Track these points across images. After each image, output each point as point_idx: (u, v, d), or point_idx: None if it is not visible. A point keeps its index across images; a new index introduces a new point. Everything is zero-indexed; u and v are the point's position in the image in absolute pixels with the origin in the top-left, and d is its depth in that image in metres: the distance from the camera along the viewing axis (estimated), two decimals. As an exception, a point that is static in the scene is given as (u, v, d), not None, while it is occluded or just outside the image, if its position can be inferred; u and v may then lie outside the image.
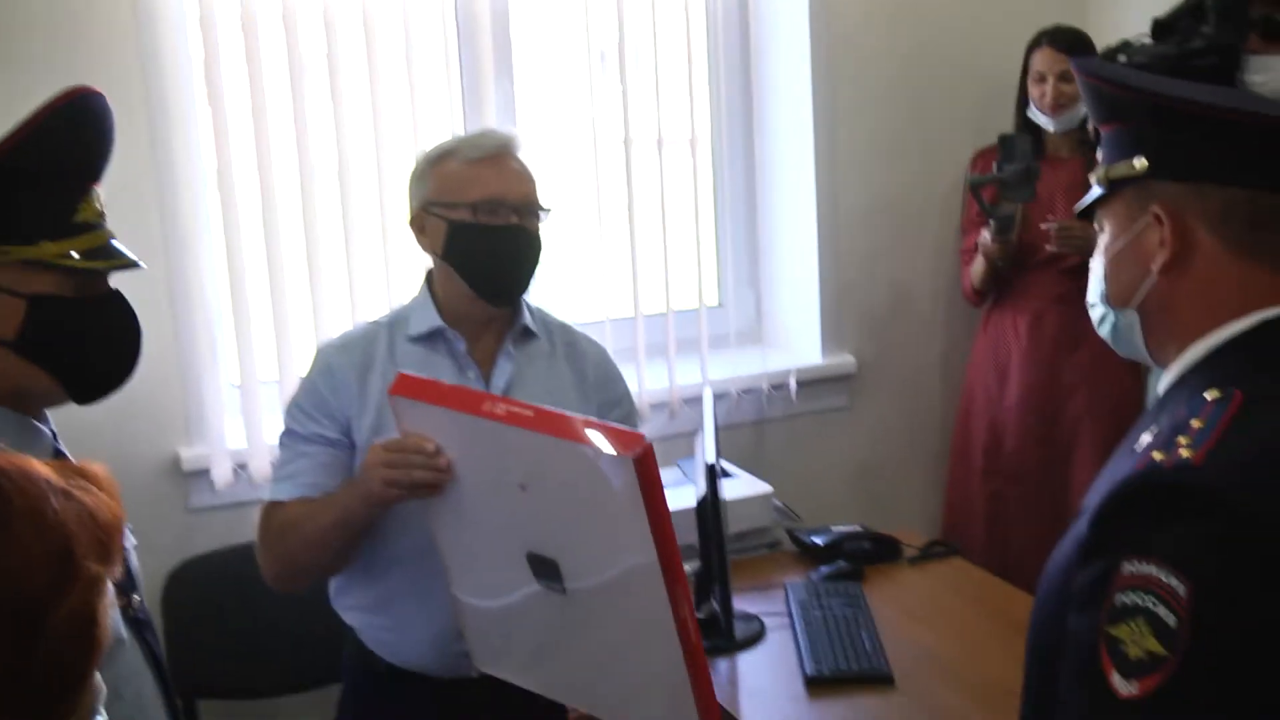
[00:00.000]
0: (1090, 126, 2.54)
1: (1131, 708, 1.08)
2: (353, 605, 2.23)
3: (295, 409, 2.17)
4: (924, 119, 3.68)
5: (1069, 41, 3.32)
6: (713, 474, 2.38)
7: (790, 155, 3.63)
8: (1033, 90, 3.39)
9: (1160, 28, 2.61)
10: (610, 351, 3.30)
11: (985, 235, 3.33)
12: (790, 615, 2.54)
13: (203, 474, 2.98)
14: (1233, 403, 1.17)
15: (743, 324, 3.73)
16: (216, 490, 2.98)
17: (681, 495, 2.90)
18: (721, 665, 2.39)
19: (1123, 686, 1.09)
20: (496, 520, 1.79)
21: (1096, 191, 1.37)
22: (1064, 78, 3.31)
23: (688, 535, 2.77)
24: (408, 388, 1.83)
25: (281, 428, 2.19)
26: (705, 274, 3.54)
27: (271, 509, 2.13)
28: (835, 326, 3.68)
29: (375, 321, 2.26)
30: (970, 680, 2.28)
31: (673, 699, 1.67)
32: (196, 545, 2.96)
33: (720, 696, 2.24)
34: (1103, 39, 3.48)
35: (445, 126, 3.18)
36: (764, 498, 2.96)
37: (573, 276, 3.44)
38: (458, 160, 2.15)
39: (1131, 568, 1.11)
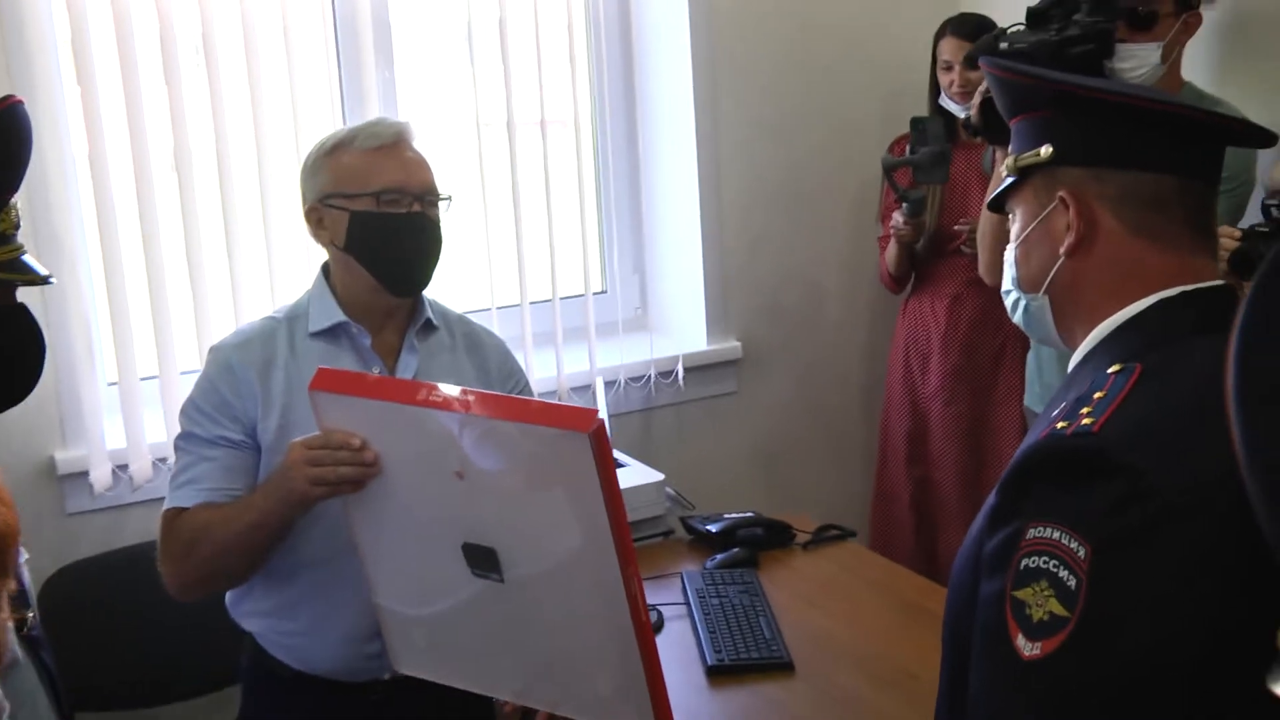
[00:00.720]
0: (971, 115, 2.58)
1: (1034, 668, 1.12)
2: (253, 611, 2.17)
3: (194, 411, 2.10)
4: (810, 105, 3.70)
5: (972, 29, 3.37)
6: (615, 467, 2.37)
7: (673, 141, 3.63)
8: (941, 78, 3.42)
9: (1035, 16, 2.67)
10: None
11: (898, 218, 3.37)
12: (688, 604, 2.54)
13: (80, 477, 2.89)
14: (1133, 375, 1.21)
15: (628, 310, 3.72)
16: (95, 494, 2.89)
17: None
18: (622, 657, 2.38)
19: (1026, 648, 1.13)
20: (428, 512, 1.77)
21: (1007, 181, 1.42)
22: (969, 64, 3.36)
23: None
24: (329, 382, 1.78)
25: (168, 427, 2.11)
26: (590, 260, 3.53)
27: (174, 516, 2.05)
28: (720, 312, 3.69)
29: (271, 317, 2.20)
30: (868, 663, 2.30)
31: (621, 680, 1.68)
32: (75, 551, 2.86)
33: (622, 689, 2.26)
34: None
35: (325, 112, 3.12)
36: (656, 486, 2.95)
37: (458, 264, 3.40)
38: (355, 150, 2.11)
39: (1035, 531, 1.15)
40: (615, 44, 3.60)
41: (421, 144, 2.17)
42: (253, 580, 2.12)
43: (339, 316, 2.14)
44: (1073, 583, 1.11)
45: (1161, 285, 1.30)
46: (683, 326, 3.71)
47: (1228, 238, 2.46)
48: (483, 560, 1.71)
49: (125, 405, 2.91)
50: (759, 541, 2.81)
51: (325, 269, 2.21)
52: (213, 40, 2.95)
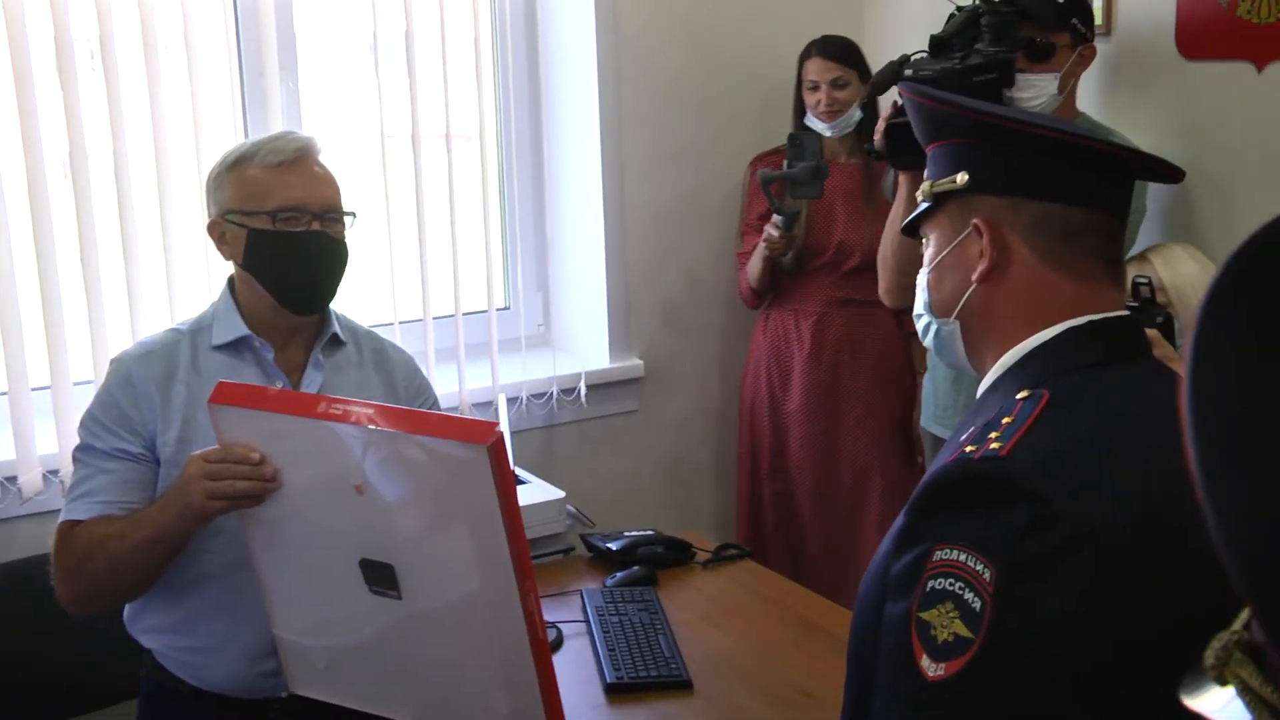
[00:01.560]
0: (876, 139, 2.62)
1: (938, 688, 1.14)
2: (151, 627, 2.14)
3: (92, 423, 2.06)
4: (711, 124, 3.73)
5: (839, 50, 3.46)
6: (514, 481, 2.37)
7: (578, 157, 3.64)
8: (808, 99, 3.49)
9: (937, 44, 2.72)
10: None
11: (771, 230, 3.40)
12: (587, 622, 2.54)
13: (-38, 489, 2.81)
14: (1040, 401, 1.24)
15: (531, 327, 3.72)
16: (-22, 507, 2.81)
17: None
18: (521, 675, 2.38)
19: (931, 669, 1.15)
20: (327, 528, 1.76)
21: (922, 206, 1.44)
22: (836, 84, 3.43)
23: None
24: (229, 395, 1.78)
25: (59, 439, 2.07)
26: (494, 275, 3.52)
27: (69, 529, 2.02)
28: (623, 330, 3.70)
29: (175, 329, 2.17)
30: (765, 681, 2.32)
31: (519, 700, 1.67)
32: (-46, 566, 2.78)
33: (521, 707, 2.25)
34: (876, 50, 3.61)
35: (227, 122, 3.08)
36: (557, 503, 2.95)
37: (360, 277, 3.38)
38: (256, 165, 2.08)
39: (942, 554, 1.17)
40: (521, 59, 3.61)
41: (328, 158, 2.15)
42: (150, 596, 2.09)
43: (242, 330, 2.12)
44: (978, 605, 1.13)
45: (1071, 314, 1.32)
46: (585, 344, 3.71)
47: None
48: (381, 577, 1.70)
49: (15, 416, 2.83)
50: (659, 559, 2.82)
51: (231, 282, 2.19)
52: (111, 45, 2.89)
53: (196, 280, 3.01)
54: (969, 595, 1.13)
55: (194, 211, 3.01)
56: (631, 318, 3.71)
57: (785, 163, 3.32)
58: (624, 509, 3.57)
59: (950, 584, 1.15)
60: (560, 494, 2.97)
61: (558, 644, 2.47)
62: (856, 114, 3.46)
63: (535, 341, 3.71)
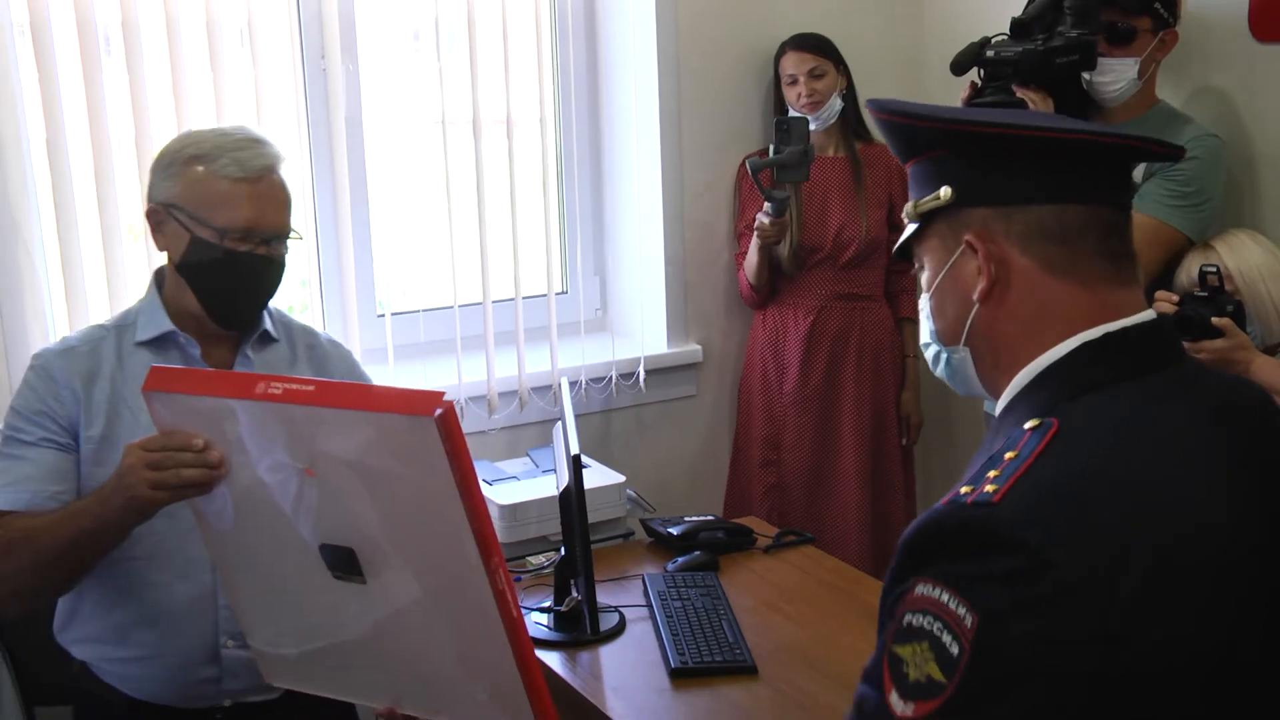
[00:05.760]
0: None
1: None
2: (82, 637, 2.06)
3: (15, 418, 2.00)
4: (769, 109, 3.69)
5: (813, 42, 3.50)
6: (578, 465, 2.37)
7: (636, 143, 3.62)
8: (788, 94, 3.52)
9: (1018, 26, 2.69)
10: (458, 339, 3.21)
11: (762, 218, 3.37)
12: (650, 607, 2.53)
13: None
14: (1047, 434, 1.16)
15: (589, 311, 3.71)
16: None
17: (536, 485, 2.87)
18: (584, 658, 2.37)
19: (899, 706, 1.09)
20: (281, 515, 1.64)
21: (910, 228, 1.35)
22: (813, 75, 3.47)
23: (549, 526, 2.75)
24: (165, 381, 1.68)
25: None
26: (552, 260, 3.51)
27: None
28: (681, 315, 3.69)
29: (100, 325, 2.12)
30: (829, 668, 2.30)
31: (497, 684, 1.57)
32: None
33: (584, 690, 2.24)
34: (936, 38, 3.57)
35: (289, 105, 3.09)
36: (617, 487, 2.94)
37: (422, 262, 3.38)
38: (216, 171, 2.00)
39: (923, 589, 1.11)
40: (581, 45, 3.60)
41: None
42: (79, 604, 2.04)
43: (167, 326, 2.07)
44: (955, 650, 1.07)
45: (1083, 323, 1.24)
46: (643, 329, 3.69)
47: (1165, 302, 2.50)
48: (342, 562, 1.61)
49: None
50: (720, 545, 2.81)
51: (159, 276, 2.13)
52: (176, 27, 2.90)
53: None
54: (946, 638, 1.08)
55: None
56: (689, 303, 3.70)
57: (772, 148, 3.27)
58: (683, 494, 3.55)
59: (928, 622, 1.09)
60: (620, 478, 2.96)
61: (620, 628, 2.47)
62: (838, 104, 3.49)
63: (593, 326, 3.70)
